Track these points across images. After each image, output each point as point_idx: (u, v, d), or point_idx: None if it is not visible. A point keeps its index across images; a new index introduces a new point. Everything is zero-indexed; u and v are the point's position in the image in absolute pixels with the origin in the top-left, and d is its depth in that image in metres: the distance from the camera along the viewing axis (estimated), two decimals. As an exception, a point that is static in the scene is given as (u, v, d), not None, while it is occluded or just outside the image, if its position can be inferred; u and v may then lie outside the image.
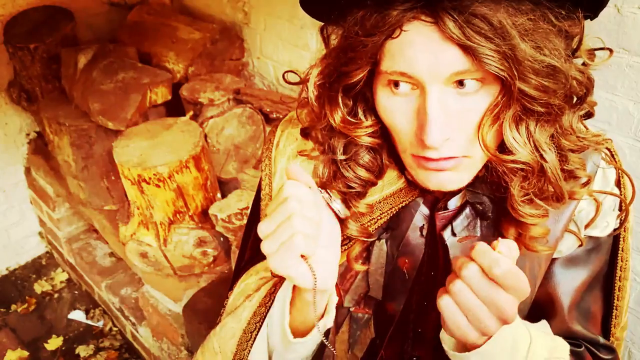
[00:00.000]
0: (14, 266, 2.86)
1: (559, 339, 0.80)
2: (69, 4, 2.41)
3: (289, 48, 2.14)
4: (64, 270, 2.83)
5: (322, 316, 0.78)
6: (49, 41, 2.28)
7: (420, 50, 0.64)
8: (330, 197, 0.76)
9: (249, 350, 0.84)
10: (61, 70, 2.28)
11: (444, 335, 0.75)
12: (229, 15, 2.35)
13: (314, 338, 0.79)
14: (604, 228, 0.83)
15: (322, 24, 0.77)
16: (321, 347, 0.83)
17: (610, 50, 0.77)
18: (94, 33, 2.58)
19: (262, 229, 0.67)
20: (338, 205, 0.77)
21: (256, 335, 0.84)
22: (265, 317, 0.84)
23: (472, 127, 0.69)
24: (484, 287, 0.63)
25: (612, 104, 1.29)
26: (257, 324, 0.85)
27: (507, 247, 0.63)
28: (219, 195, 1.99)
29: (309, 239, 0.66)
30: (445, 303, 0.66)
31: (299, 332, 0.79)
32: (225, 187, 2.08)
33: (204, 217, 1.92)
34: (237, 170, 2.11)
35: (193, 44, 2.26)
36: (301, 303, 0.77)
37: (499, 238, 0.64)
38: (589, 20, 0.73)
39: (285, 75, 0.84)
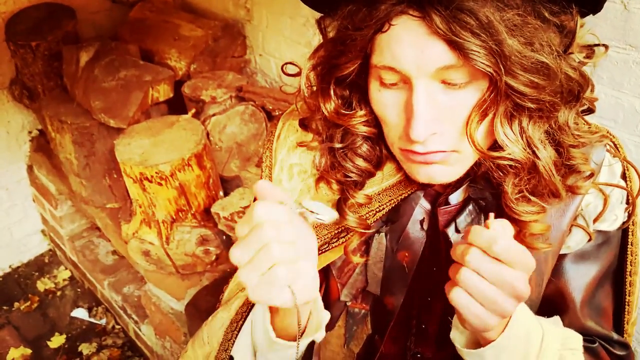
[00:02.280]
0: (16, 264, 2.86)
1: (571, 331, 0.79)
2: (70, 1, 2.40)
3: (291, 45, 2.13)
4: (66, 268, 2.83)
5: (305, 329, 0.75)
6: (50, 39, 2.27)
7: (407, 45, 0.65)
8: (311, 212, 0.65)
9: (234, 341, 0.83)
10: (63, 68, 2.28)
11: (454, 335, 0.74)
12: (231, 12, 2.34)
13: (299, 346, 0.76)
14: (612, 221, 0.82)
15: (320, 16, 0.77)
16: (308, 353, 0.81)
17: (606, 47, 0.76)
18: (95, 30, 2.57)
19: (236, 257, 0.61)
20: (320, 216, 0.66)
21: (242, 325, 0.83)
22: (252, 306, 0.83)
23: (460, 122, 0.69)
24: (490, 268, 0.61)
25: (618, 101, 1.28)
26: (244, 314, 0.84)
27: (500, 225, 0.62)
28: (221, 193, 1.99)
29: (291, 267, 0.61)
30: (456, 295, 0.63)
31: (283, 333, 0.76)
32: (227, 185, 2.07)
33: (206, 216, 1.91)
34: (239, 168, 2.10)
35: (195, 41, 2.25)
36: (283, 310, 0.74)
37: (490, 217, 0.63)
38: (592, 15, 0.72)
39: (284, 67, 0.84)
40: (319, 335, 0.77)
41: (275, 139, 0.90)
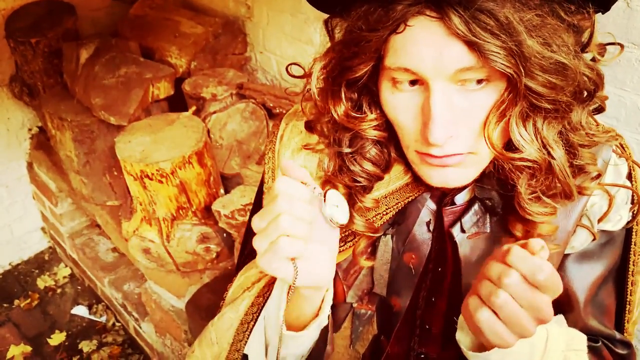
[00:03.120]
0: (17, 261, 2.86)
1: (575, 331, 0.79)
2: (70, -2, 2.40)
3: (292, 42, 2.12)
4: (66, 266, 2.83)
5: (317, 314, 0.77)
6: (50, 35, 2.26)
7: (424, 46, 0.63)
8: (324, 199, 0.68)
9: (246, 341, 0.83)
10: (63, 65, 2.27)
11: (459, 336, 0.74)
12: (232, 9, 2.34)
13: (309, 335, 0.78)
14: (617, 222, 0.82)
15: (327, 16, 0.76)
16: (318, 346, 0.82)
17: (621, 46, 0.75)
18: (95, 27, 2.56)
19: (255, 224, 0.65)
20: (329, 210, 0.69)
21: (253, 325, 0.84)
22: (262, 307, 0.84)
23: (478, 124, 0.68)
24: (527, 295, 0.61)
25: (620, 99, 1.27)
26: (255, 315, 0.85)
27: (544, 250, 0.62)
28: (222, 191, 1.98)
29: (296, 241, 0.63)
30: (485, 317, 0.63)
31: (294, 327, 0.78)
32: (228, 182, 2.07)
33: (207, 213, 1.91)
34: (240, 166, 2.10)
35: (195, 38, 2.24)
36: (296, 296, 0.76)
37: (531, 239, 0.62)
38: (599, 13, 0.71)
39: (289, 68, 0.83)
40: (324, 318, 0.78)
41: (278, 140, 0.89)
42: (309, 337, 0.79)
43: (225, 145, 2.03)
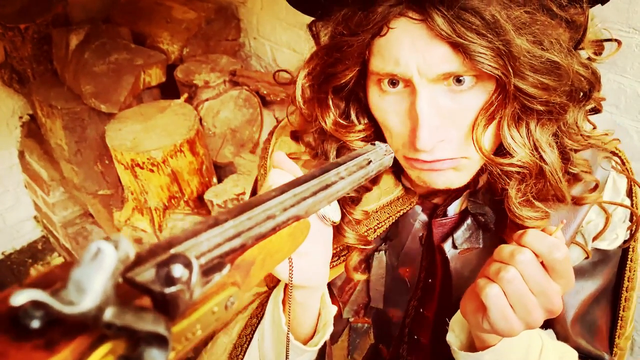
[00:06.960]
0: (9, 251, 2.83)
1: (567, 347, 0.77)
2: (60, -18, 2.35)
3: (286, 28, 2.08)
4: (60, 255, 2.81)
5: (315, 331, 0.75)
6: (39, 21, 2.22)
7: (407, 50, 0.61)
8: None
9: None
10: (53, 52, 2.23)
11: (450, 337, 0.72)
12: (225, -6, 2.29)
13: (314, 349, 0.76)
14: (612, 240, 0.78)
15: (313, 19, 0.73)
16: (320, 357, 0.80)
17: (619, 43, 0.72)
18: (86, 13, 2.51)
19: None
20: (329, 211, 0.67)
21: (246, 348, 0.82)
22: (256, 329, 0.82)
23: (468, 126, 0.65)
24: (537, 276, 0.58)
25: (620, 86, 1.24)
26: (248, 336, 0.83)
27: (560, 232, 0.59)
28: (214, 180, 1.95)
29: None
30: (495, 293, 0.59)
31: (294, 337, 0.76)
32: (221, 171, 2.04)
33: (199, 203, 1.88)
34: (233, 155, 2.07)
35: (188, 24, 2.20)
36: (293, 306, 0.73)
37: (552, 228, 0.60)
38: (599, 4, 0.68)
39: (276, 75, 0.80)
40: (329, 331, 0.76)
41: (269, 157, 0.87)
42: (313, 353, 0.77)
43: (218, 134, 2.00)
